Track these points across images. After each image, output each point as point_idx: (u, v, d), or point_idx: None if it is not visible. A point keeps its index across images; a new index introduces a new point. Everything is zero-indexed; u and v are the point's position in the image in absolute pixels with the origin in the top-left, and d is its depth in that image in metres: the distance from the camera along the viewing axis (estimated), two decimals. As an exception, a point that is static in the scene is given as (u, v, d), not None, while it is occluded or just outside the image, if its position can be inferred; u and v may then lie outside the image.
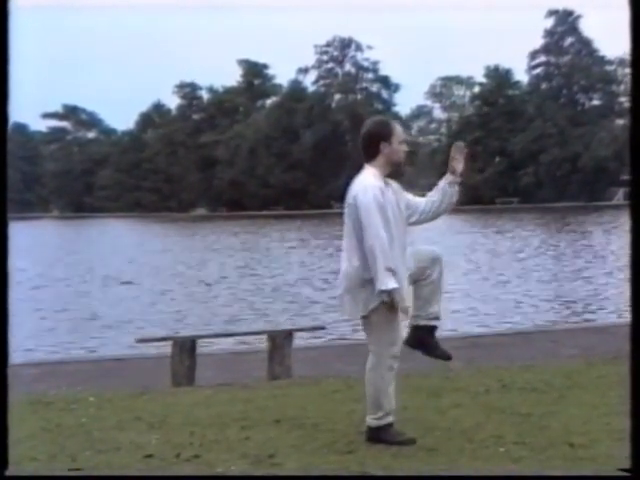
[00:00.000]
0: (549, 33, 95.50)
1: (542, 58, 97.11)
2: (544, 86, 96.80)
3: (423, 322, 5.42)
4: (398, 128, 5.40)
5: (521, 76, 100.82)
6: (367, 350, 5.33)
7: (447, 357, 5.56)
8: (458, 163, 5.55)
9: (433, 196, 5.56)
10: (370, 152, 5.33)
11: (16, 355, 12.65)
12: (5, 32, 3.64)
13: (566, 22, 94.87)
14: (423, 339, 5.45)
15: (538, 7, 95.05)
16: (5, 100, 3.65)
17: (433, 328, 5.47)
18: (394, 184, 5.44)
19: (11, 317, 3.94)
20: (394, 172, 5.42)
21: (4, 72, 3.65)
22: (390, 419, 5.26)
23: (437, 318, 5.46)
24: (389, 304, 5.06)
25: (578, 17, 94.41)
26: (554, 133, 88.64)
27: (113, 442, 5.44)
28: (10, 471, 3.72)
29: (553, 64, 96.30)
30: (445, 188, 5.55)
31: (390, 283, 5.02)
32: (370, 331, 5.27)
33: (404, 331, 5.39)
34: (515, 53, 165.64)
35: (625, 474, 3.89)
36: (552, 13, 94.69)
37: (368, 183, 5.20)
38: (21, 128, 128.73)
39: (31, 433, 5.74)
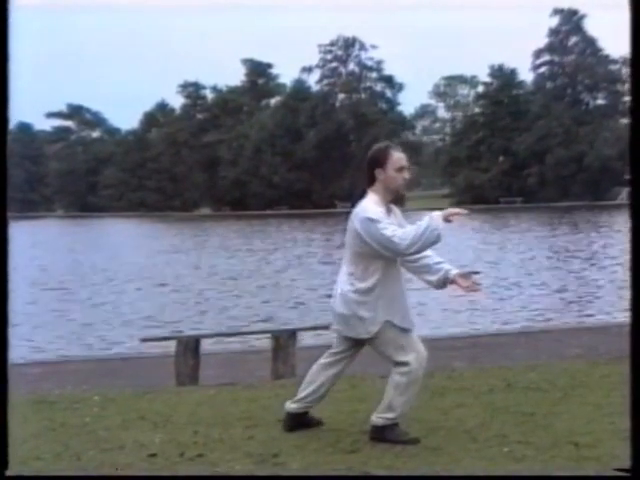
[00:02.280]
0: (554, 32, 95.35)
1: (546, 57, 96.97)
2: (548, 85, 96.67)
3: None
4: (396, 155, 5.30)
5: (525, 75, 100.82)
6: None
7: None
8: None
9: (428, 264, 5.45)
10: (369, 178, 5.33)
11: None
12: (5, 32, 3.63)
13: (571, 21, 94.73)
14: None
15: (542, 6, 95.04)
16: (5, 100, 3.64)
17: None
18: (397, 211, 5.45)
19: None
20: (395, 199, 5.37)
21: (4, 72, 3.64)
22: (396, 419, 5.27)
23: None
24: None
25: (583, 16, 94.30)
26: (558, 132, 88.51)
27: (117, 441, 5.44)
28: (10, 471, 3.72)
29: (557, 63, 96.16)
30: (447, 279, 5.41)
31: (436, 225, 4.98)
32: (386, 346, 5.28)
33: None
34: (519, 52, 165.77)
35: (625, 474, 3.89)
36: (557, 12, 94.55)
37: (368, 207, 5.20)
38: (25, 127, 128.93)
39: (36, 432, 5.76)
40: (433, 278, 5.42)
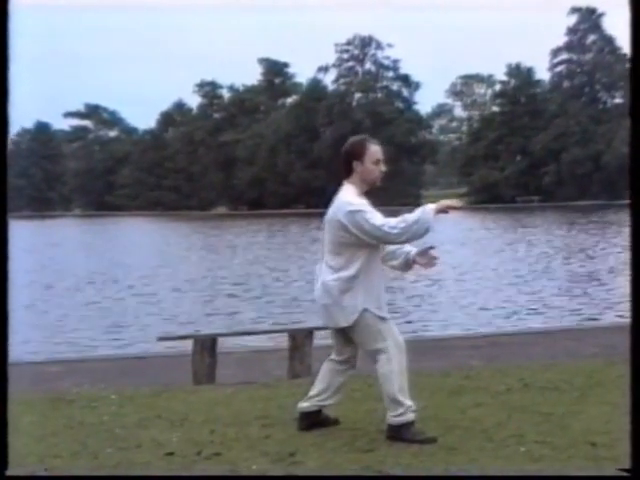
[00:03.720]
0: (572, 31, 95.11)
1: (564, 56, 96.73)
2: (566, 84, 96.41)
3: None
4: (373, 148, 5.41)
5: (543, 74, 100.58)
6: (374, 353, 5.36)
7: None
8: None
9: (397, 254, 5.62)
10: (346, 170, 5.42)
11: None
12: (5, 32, 3.63)
13: (589, 20, 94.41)
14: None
15: (560, 5, 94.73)
16: (5, 100, 3.64)
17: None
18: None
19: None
20: (370, 191, 5.48)
21: (4, 72, 3.64)
22: (411, 417, 5.27)
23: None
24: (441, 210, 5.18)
25: (601, 15, 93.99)
26: (576, 131, 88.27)
27: (134, 440, 5.46)
28: (10, 471, 3.73)
29: (575, 62, 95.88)
30: (409, 261, 5.60)
31: (428, 219, 5.12)
32: (364, 334, 5.34)
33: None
34: (537, 51, 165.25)
35: (625, 474, 3.87)
36: (575, 11, 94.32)
37: (350, 198, 5.29)
38: (44, 127, 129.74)
39: (54, 430, 5.78)
40: (396, 262, 5.62)
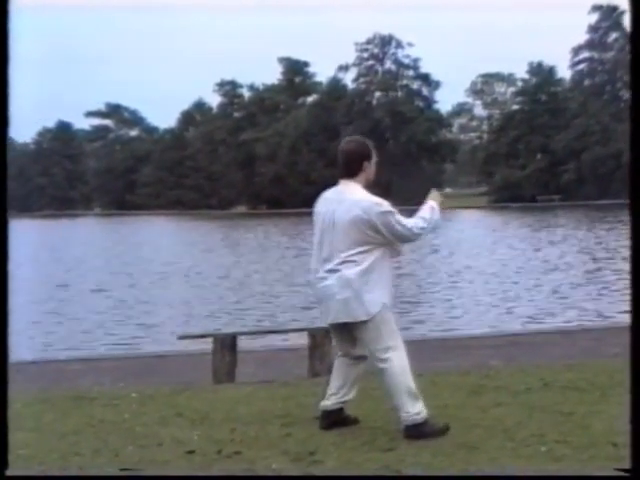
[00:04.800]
0: (593, 29, 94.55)
1: (586, 54, 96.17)
2: (587, 82, 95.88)
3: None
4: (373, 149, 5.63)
5: (564, 72, 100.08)
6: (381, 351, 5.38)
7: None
8: None
9: None
10: (353, 169, 5.47)
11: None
12: (5, 32, 3.65)
13: (610, 17, 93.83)
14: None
15: (581, 3, 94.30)
16: (5, 100, 3.65)
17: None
18: None
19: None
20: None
21: (4, 72, 3.65)
22: (426, 414, 5.31)
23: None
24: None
25: (622, 12, 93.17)
26: (597, 130, 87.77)
27: (155, 438, 5.48)
28: (10, 471, 3.75)
29: (597, 60, 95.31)
30: None
31: (439, 217, 5.49)
32: (379, 330, 5.34)
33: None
34: (557, 49, 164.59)
35: (625, 474, 3.86)
36: (596, 9, 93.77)
37: (375, 199, 5.38)
38: (65, 126, 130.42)
39: (75, 428, 5.82)
40: None
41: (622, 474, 3.90)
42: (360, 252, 5.31)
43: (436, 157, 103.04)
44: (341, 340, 5.59)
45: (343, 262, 5.33)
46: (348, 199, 5.36)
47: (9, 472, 3.73)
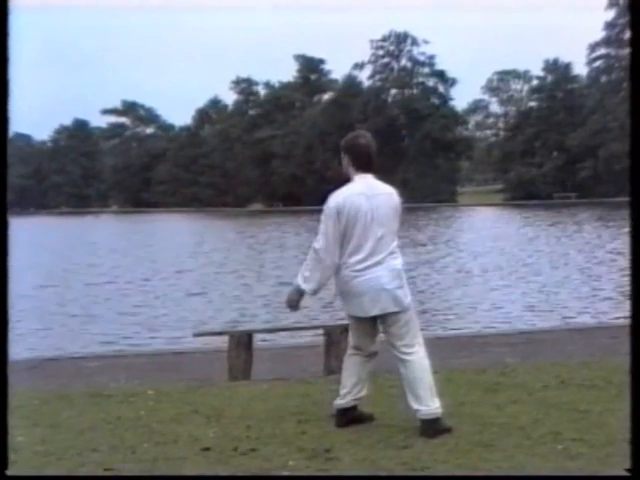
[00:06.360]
0: (609, 25, 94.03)
1: (602, 51, 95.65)
2: (604, 79, 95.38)
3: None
4: None
5: (580, 69, 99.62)
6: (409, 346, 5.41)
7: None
8: None
9: None
10: (374, 162, 5.72)
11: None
12: (5, 32, 3.65)
13: (627, 14, 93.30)
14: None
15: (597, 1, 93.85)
16: (5, 100, 3.66)
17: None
18: None
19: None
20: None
21: (4, 73, 3.66)
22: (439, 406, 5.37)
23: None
24: None
25: None
26: (614, 127, 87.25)
27: (171, 435, 5.50)
28: (10, 471, 3.76)
29: (613, 57, 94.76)
30: None
31: None
32: (414, 322, 5.48)
33: None
34: (574, 46, 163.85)
35: (625, 474, 3.85)
36: (612, 5, 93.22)
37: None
38: (81, 124, 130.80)
39: (92, 425, 5.84)
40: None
41: (622, 474, 3.90)
42: (395, 244, 5.47)
43: (452, 154, 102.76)
44: (364, 335, 5.59)
45: (390, 253, 5.41)
46: (383, 192, 5.53)
47: (9, 472, 3.74)
